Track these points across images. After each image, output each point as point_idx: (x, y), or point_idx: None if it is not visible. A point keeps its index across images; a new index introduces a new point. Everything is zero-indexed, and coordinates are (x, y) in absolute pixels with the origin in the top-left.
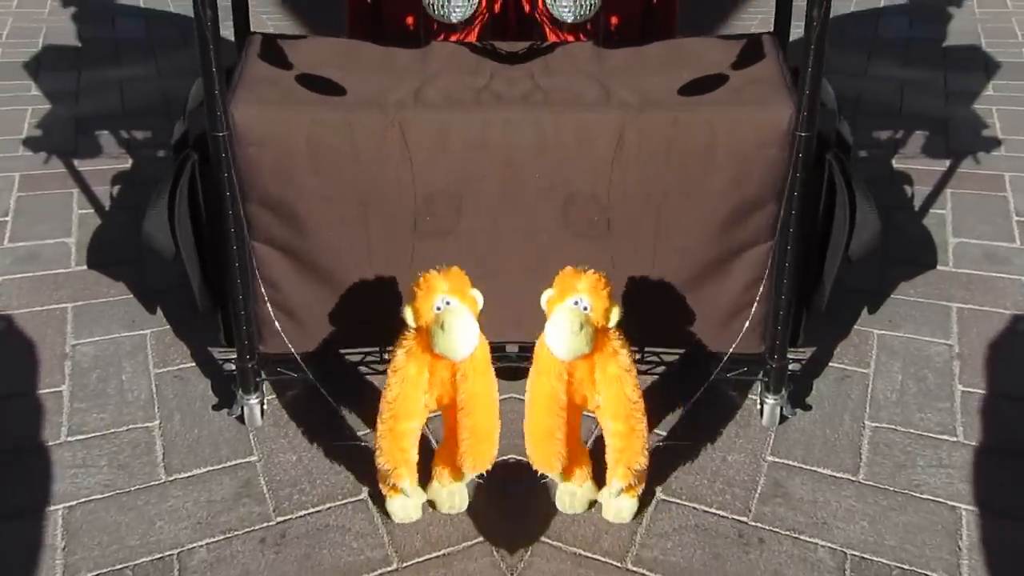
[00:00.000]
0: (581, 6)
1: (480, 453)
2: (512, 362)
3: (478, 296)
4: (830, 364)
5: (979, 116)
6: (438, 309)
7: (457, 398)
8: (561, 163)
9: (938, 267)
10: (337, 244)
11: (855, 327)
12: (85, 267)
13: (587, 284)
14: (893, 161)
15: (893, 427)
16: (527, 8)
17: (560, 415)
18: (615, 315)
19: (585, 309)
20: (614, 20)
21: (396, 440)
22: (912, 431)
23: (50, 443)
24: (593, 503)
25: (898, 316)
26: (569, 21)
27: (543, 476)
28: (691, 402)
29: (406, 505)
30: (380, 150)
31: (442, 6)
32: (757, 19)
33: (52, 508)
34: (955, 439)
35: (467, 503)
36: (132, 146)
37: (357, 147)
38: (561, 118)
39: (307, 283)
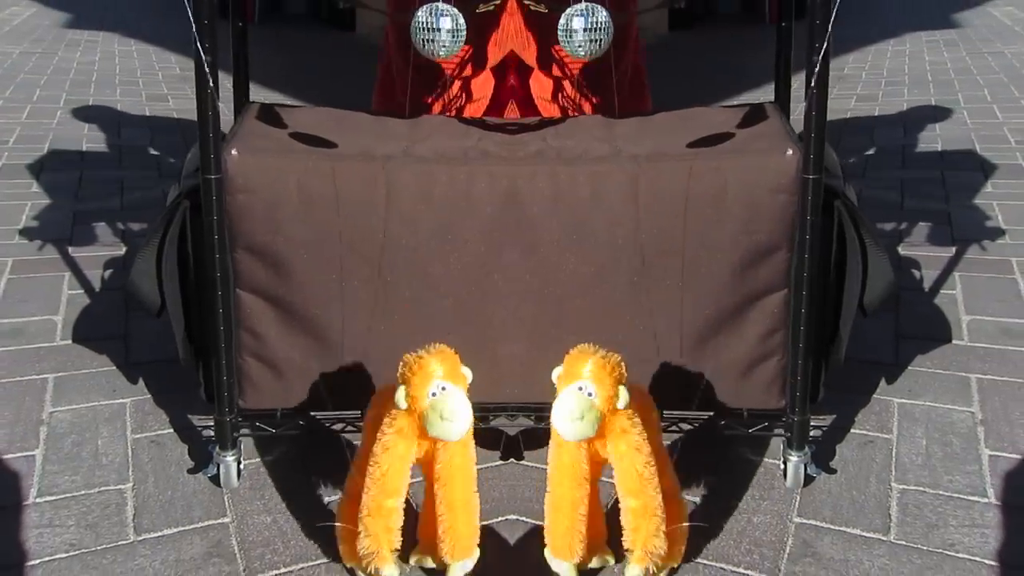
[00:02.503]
0: (593, 41)
1: (460, 531)
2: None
3: (468, 373)
4: (852, 430)
5: (981, 209)
6: (433, 395)
7: (435, 468)
8: (575, 215)
9: (953, 342)
10: (322, 294)
11: (874, 396)
12: (70, 341)
13: (592, 370)
14: (899, 248)
15: (922, 489)
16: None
17: (584, 486)
18: (623, 398)
19: (590, 395)
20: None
21: (383, 519)
22: (941, 492)
23: (17, 504)
24: (605, 565)
25: (917, 386)
26: (582, 57)
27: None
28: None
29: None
30: (368, 199)
31: (429, 42)
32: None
33: (13, 567)
34: (986, 500)
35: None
36: (128, 236)
37: (345, 195)
38: (574, 171)
39: (291, 335)
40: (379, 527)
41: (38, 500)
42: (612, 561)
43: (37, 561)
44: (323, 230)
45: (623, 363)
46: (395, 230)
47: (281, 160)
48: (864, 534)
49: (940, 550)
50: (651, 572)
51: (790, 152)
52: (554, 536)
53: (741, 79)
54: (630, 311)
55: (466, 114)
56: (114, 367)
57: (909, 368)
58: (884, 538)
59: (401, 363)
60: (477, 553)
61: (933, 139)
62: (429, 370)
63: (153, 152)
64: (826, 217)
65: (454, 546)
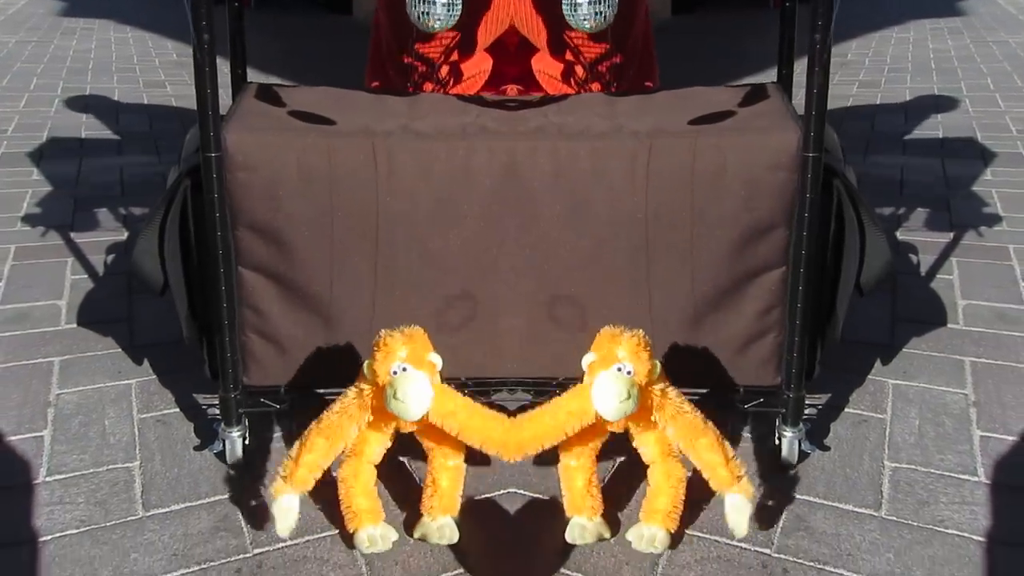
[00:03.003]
0: (598, 14)
1: (501, 441)
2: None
3: (437, 361)
4: (846, 410)
5: (979, 196)
6: (394, 373)
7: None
8: (575, 191)
9: (949, 325)
10: (323, 271)
11: (869, 377)
12: (75, 325)
13: (628, 349)
14: (897, 233)
15: (913, 467)
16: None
17: (559, 440)
18: (657, 370)
19: (629, 374)
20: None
21: (350, 479)
22: (933, 471)
23: (27, 483)
24: (602, 539)
25: (912, 368)
26: (588, 29)
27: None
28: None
29: (373, 535)
30: (368, 175)
31: (424, 14)
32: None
33: (25, 543)
34: (977, 479)
35: (457, 535)
36: (129, 221)
37: (345, 171)
38: (575, 146)
39: (293, 312)
40: (348, 493)
41: (48, 479)
42: (609, 535)
43: (49, 537)
44: (323, 207)
45: (648, 338)
46: (395, 206)
47: (280, 138)
48: (856, 509)
49: (930, 526)
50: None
51: (791, 130)
52: (574, 502)
53: (743, 64)
54: (628, 287)
55: (461, 92)
56: (119, 349)
57: (904, 350)
58: (875, 514)
59: (376, 337)
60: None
61: (934, 126)
62: (392, 349)
63: (152, 138)
64: (825, 196)
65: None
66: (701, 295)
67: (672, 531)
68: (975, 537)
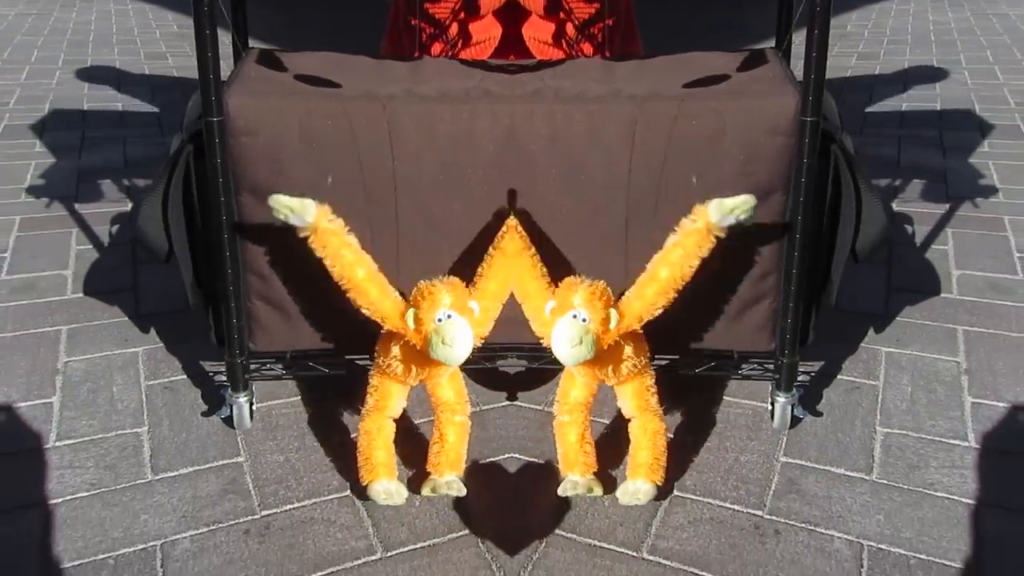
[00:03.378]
0: None
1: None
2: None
3: (475, 307)
4: (839, 376)
5: (976, 168)
6: (439, 320)
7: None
8: (572, 155)
9: (942, 295)
10: None
11: (862, 345)
12: (81, 294)
13: (583, 297)
14: (893, 204)
15: (905, 432)
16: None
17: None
18: (614, 320)
19: (584, 321)
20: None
21: (373, 432)
22: (924, 436)
23: (38, 447)
24: (592, 492)
25: (905, 336)
26: None
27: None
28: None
29: (388, 488)
30: (369, 138)
31: None
32: None
33: (37, 506)
34: (967, 444)
35: (465, 490)
36: (133, 192)
37: (347, 135)
38: (571, 109)
39: (297, 277)
40: (367, 439)
41: (57, 444)
42: (600, 491)
43: (60, 500)
44: (326, 171)
45: (608, 288)
46: (399, 169)
47: (282, 102)
48: (847, 473)
49: (920, 489)
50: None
51: (789, 95)
52: (568, 457)
53: (742, 36)
54: (625, 251)
55: (470, 57)
56: (125, 318)
57: (898, 319)
58: (867, 477)
59: (415, 288)
60: (460, 470)
61: (933, 98)
62: (438, 297)
63: (154, 110)
64: (822, 161)
65: (439, 464)
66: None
67: (656, 483)
68: (964, 500)
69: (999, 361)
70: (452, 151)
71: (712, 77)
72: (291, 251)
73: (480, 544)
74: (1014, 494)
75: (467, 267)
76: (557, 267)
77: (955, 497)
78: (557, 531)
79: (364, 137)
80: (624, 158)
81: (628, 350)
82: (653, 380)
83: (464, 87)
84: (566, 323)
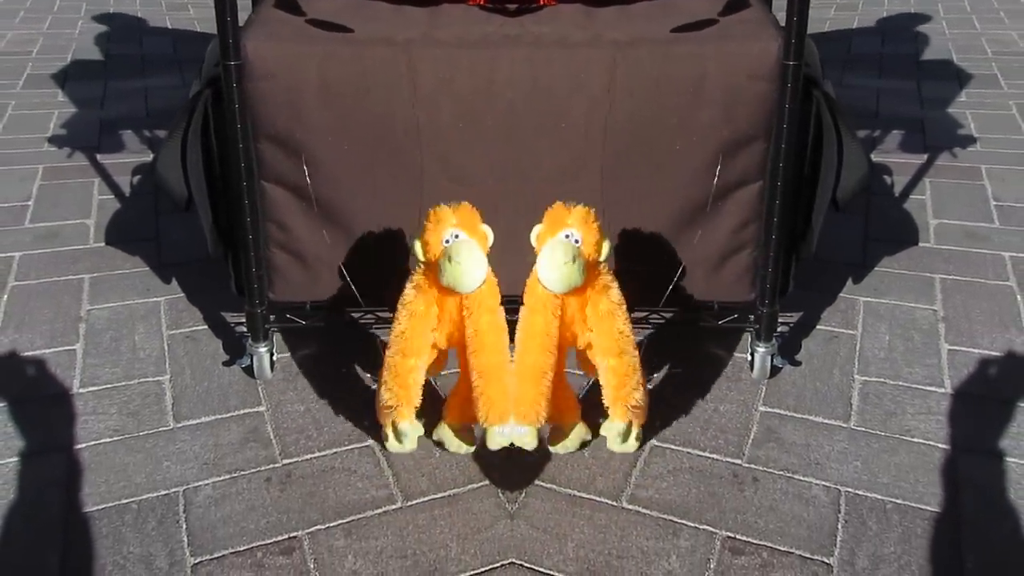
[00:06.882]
0: None
1: (492, 397)
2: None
3: (488, 232)
4: (818, 327)
5: (954, 118)
6: (447, 242)
7: (465, 337)
8: (553, 101)
9: (920, 244)
10: (346, 185)
11: (841, 295)
12: (103, 244)
13: (577, 217)
14: (872, 155)
15: (882, 380)
16: None
17: (553, 353)
18: (605, 248)
19: (576, 242)
20: None
21: (401, 376)
22: (901, 383)
23: (62, 393)
24: (585, 444)
25: (883, 286)
26: None
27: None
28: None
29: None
30: (389, 84)
31: None
32: None
33: (61, 450)
34: (943, 390)
35: (475, 446)
36: (155, 143)
37: (366, 81)
38: (552, 54)
39: (317, 226)
40: (398, 383)
41: (81, 390)
42: (590, 437)
43: (84, 445)
44: (345, 117)
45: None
46: (420, 116)
47: (300, 46)
48: (826, 421)
49: (897, 435)
50: (633, 421)
51: (772, 39)
52: (519, 403)
53: None
54: (603, 200)
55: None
56: (147, 268)
57: (876, 269)
58: (844, 425)
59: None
60: (510, 419)
61: (910, 48)
62: (443, 218)
63: (176, 61)
64: (805, 107)
65: (488, 412)
66: (678, 209)
67: (623, 420)
68: (940, 445)
69: (975, 309)
70: (471, 97)
71: (695, 23)
72: (311, 201)
73: (500, 495)
74: (989, 439)
75: (494, 215)
76: (532, 217)
77: (931, 443)
78: (537, 481)
79: (383, 82)
80: (604, 103)
81: (615, 296)
82: (625, 320)
83: (484, 32)
84: (557, 243)
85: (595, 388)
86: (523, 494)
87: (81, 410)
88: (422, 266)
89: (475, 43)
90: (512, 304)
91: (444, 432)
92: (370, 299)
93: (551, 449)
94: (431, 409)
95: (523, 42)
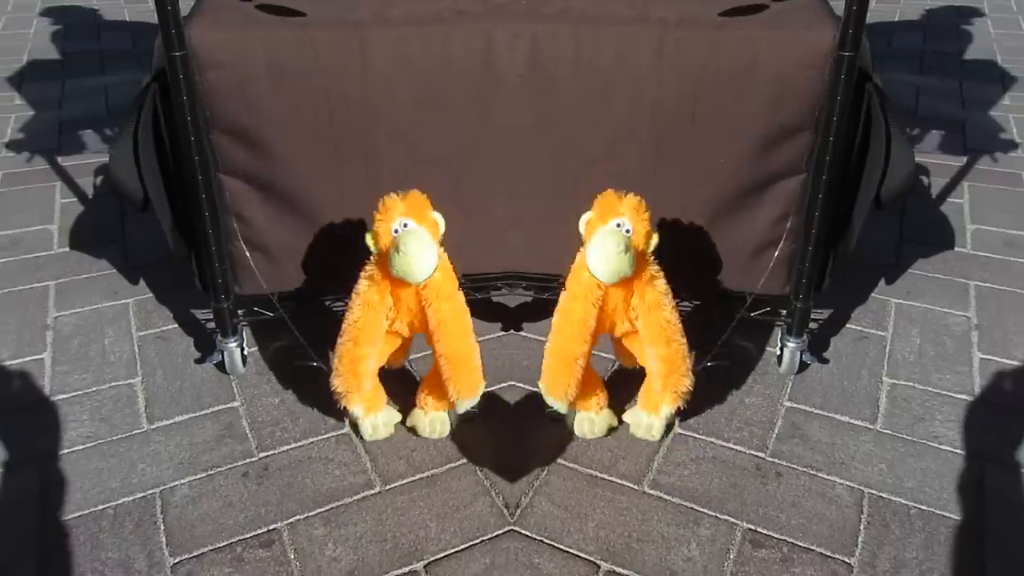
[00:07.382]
0: None
1: (462, 379)
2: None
3: (439, 219)
4: (848, 325)
5: (996, 121)
6: (396, 232)
7: (429, 327)
8: (595, 79)
9: (956, 248)
10: (305, 172)
11: (872, 295)
12: (68, 249)
13: (629, 207)
14: None
15: (911, 384)
16: None
17: (587, 342)
18: (654, 240)
19: (627, 232)
20: None
21: (352, 364)
22: (930, 389)
23: (32, 403)
24: (612, 429)
25: (916, 288)
26: None
27: (549, 408)
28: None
29: (376, 423)
30: (340, 67)
31: None
32: None
33: (35, 461)
34: (973, 398)
35: (448, 430)
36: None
37: (316, 65)
38: (598, 31)
39: (278, 217)
40: (350, 371)
41: (52, 399)
42: (616, 423)
43: (57, 454)
44: (298, 104)
45: None
46: (374, 98)
47: (248, 32)
48: (852, 421)
49: (924, 441)
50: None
51: (827, 28)
52: (551, 384)
53: None
54: (642, 184)
55: None
56: (114, 270)
57: (910, 271)
58: (871, 426)
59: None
60: (480, 390)
61: (954, 47)
62: (391, 207)
63: (135, 56)
64: (856, 100)
65: (459, 390)
66: (718, 196)
67: (671, 406)
68: (967, 454)
69: (1011, 318)
70: (425, 77)
71: (747, 6)
72: (271, 191)
73: (479, 472)
74: (1018, 451)
75: (448, 195)
76: (579, 197)
77: (957, 450)
78: (559, 460)
79: (335, 65)
80: (649, 85)
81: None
82: (672, 308)
83: (435, 9)
84: (611, 232)
85: (619, 372)
86: (544, 471)
87: (53, 419)
88: (375, 257)
89: (425, 20)
90: (481, 283)
91: (417, 419)
92: (337, 286)
93: (577, 434)
94: (406, 395)
95: (569, 18)
